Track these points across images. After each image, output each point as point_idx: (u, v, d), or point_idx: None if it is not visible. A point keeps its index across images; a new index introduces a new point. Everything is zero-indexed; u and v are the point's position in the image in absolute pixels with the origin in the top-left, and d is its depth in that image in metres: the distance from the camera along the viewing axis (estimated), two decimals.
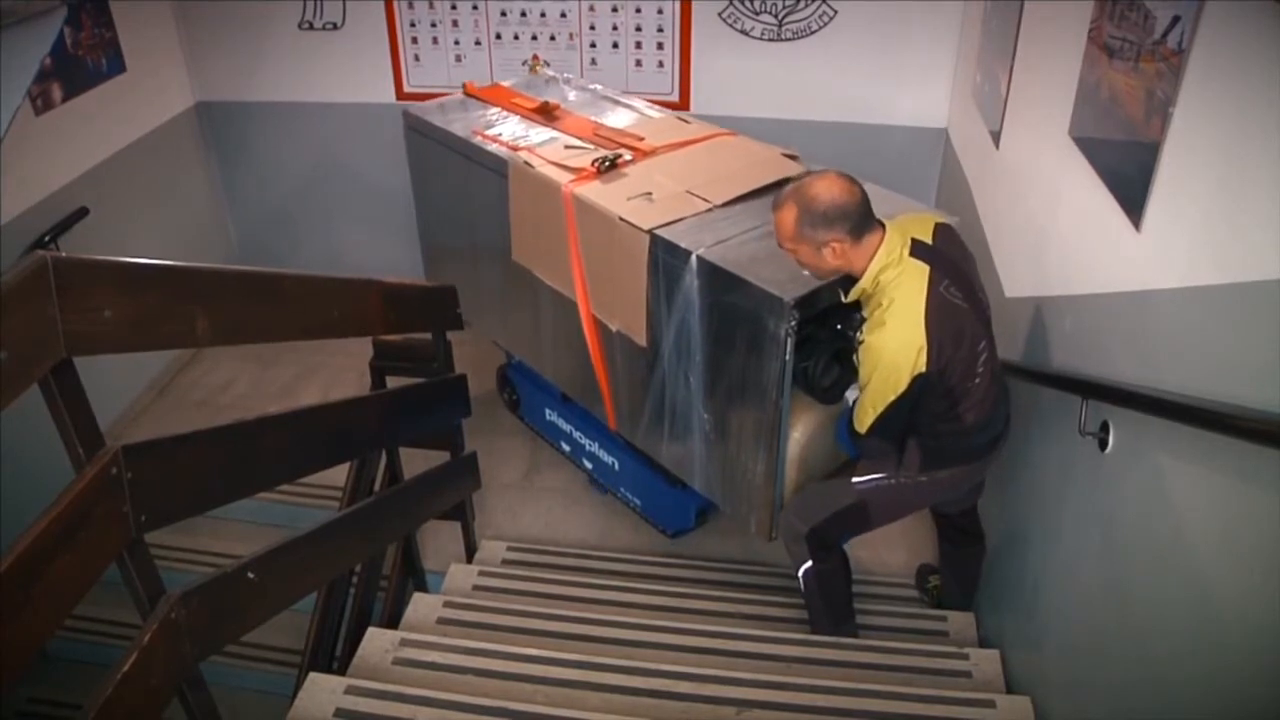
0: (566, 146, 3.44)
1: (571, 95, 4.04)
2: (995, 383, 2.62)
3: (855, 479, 2.76)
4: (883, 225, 2.44)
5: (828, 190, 2.36)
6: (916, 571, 3.61)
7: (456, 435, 3.55)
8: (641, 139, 3.45)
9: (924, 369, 2.37)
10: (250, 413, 2.41)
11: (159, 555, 1.90)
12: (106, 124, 4.51)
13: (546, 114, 3.73)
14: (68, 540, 1.59)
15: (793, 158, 3.31)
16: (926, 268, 2.40)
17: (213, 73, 5.17)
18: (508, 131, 3.63)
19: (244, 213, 5.61)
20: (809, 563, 2.92)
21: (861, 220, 2.37)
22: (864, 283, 2.43)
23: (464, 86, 4.08)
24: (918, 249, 2.42)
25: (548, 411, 4.33)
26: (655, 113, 3.85)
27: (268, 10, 4.93)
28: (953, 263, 2.48)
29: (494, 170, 3.48)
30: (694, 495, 3.57)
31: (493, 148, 3.50)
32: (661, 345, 3.02)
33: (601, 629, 3.08)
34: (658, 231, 2.89)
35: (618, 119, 3.76)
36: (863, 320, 2.48)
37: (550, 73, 4.30)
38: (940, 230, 2.52)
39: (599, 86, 4.17)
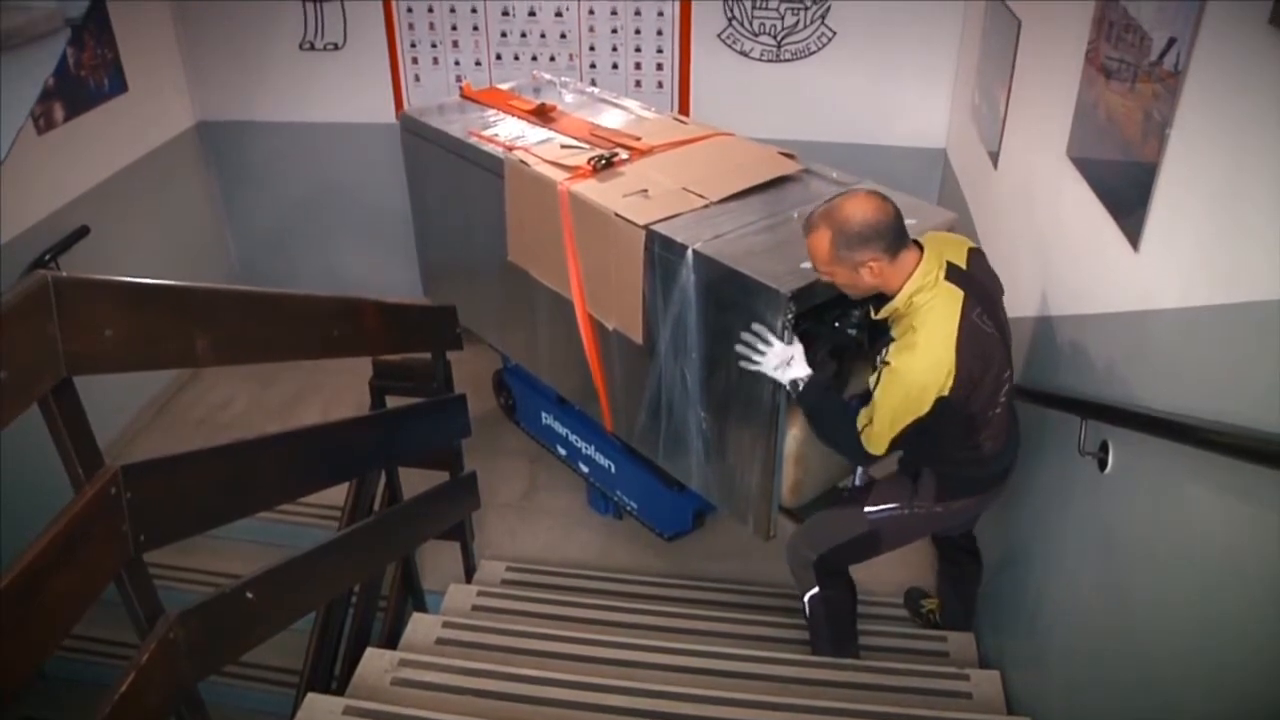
0: (563, 146, 3.44)
1: (568, 97, 4.04)
2: (1011, 412, 2.62)
3: (868, 509, 2.73)
4: (919, 245, 2.40)
5: (860, 210, 2.31)
6: (905, 595, 3.60)
7: (456, 455, 3.54)
8: (638, 138, 3.45)
9: (947, 393, 2.32)
10: (250, 432, 2.42)
11: (157, 575, 1.89)
12: (108, 143, 4.53)
13: (543, 115, 3.73)
14: (67, 559, 1.59)
15: (789, 156, 3.30)
16: (961, 293, 2.35)
17: (214, 92, 5.19)
18: (504, 132, 3.63)
19: (244, 232, 5.62)
20: (815, 589, 2.91)
21: (896, 238, 2.32)
22: (897, 302, 2.37)
23: (461, 89, 4.09)
24: (952, 273, 2.38)
25: (544, 415, 4.33)
26: (651, 114, 3.84)
27: (269, 31, 4.96)
28: (984, 289, 2.45)
29: (490, 170, 3.48)
30: (691, 497, 3.57)
31: (489, 148, 3.50)
32: (658, 343, 3.01)
33: (600, 649, 3.07)
34: (654, 227, 2.88)
35: (614, 120, 3.76)
36: (890, 340, 2.42)
37: (548, 76, 4.31)
38: (974, 255, 2.49)
39: (595, 89, 4.17)
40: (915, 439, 2.43)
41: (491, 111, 3.86)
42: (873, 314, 2.49)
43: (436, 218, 4.08)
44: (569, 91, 4.12)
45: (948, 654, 3.23)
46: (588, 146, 3.42)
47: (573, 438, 4.16)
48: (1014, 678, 2.92)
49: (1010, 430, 2.64)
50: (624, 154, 3.31)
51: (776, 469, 2.85)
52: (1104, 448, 2.28)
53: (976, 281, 2.43)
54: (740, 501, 3.02)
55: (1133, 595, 2.13)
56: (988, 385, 2.41)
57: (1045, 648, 2.69)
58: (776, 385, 2.63)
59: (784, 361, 2.55)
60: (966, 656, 3.21)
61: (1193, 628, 1.85)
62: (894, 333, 2.42)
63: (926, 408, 2.34)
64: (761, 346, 2.57)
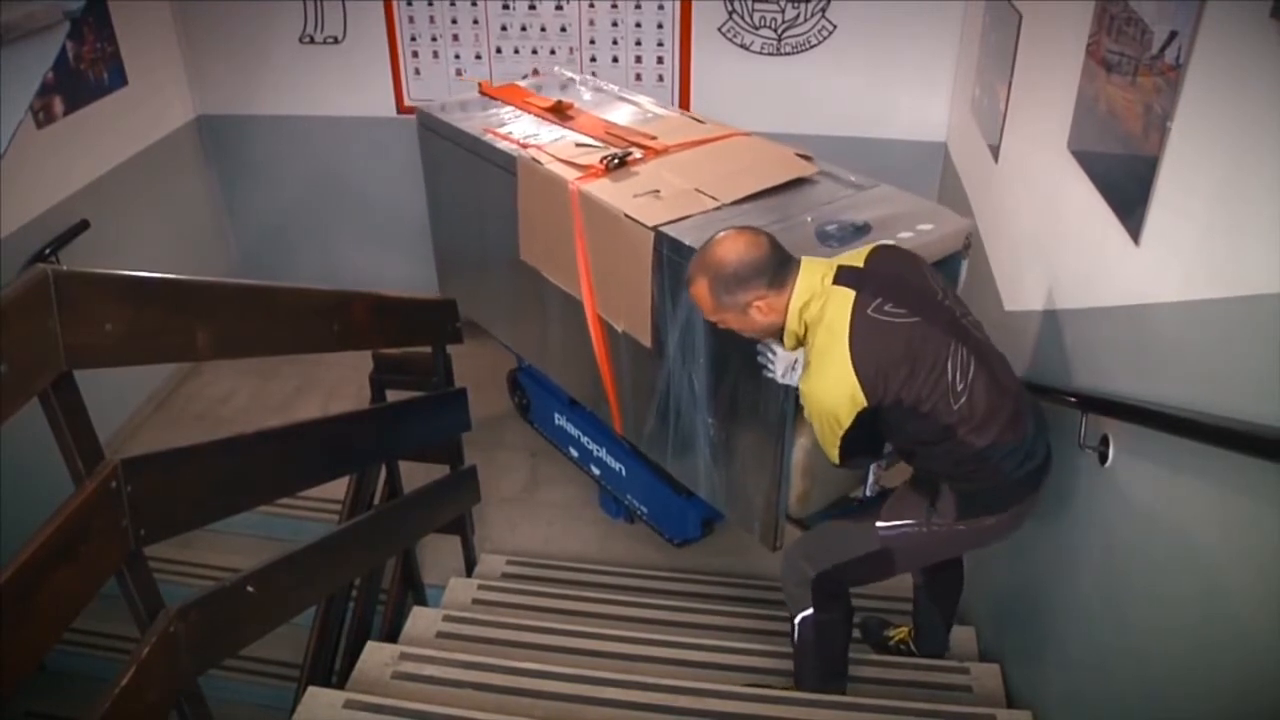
0: (577, 145, 3.41)
1: (586, 95, 4.01)
2: (1004, 398, 2.27)
3: (880, 524, 2.48)
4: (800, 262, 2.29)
5: (732, 250, 2.23)
6: (862, 627, 3.23)
7: (456, 449, 3.54)
8: (653, 138, 3.42)
9: (865, 404, 2.18)
10: (250, 426, 2.41)
11: (158, 569, 1.90)
12: (108, 137, 4.53)
13: (559, 113, 3.70)
14: (67, 554, 1.59)
15: (806, 158, 3.25)
16: (852, 293, 2.20)
17: (214, 86, 5.19)
18: (519, 130, 3.61)
19: (244, 226, 5.62)
20: (809, 610, 2.63)
21: (778, 267, 2.23)
22: (791, 324, 2.27)
23: (479, 86, 4.06)
24: (843, 275, 2.24)
25: (557, 416, 4.33)
26: (669, 112, 3.80)
27: (269, 24, 4.95)
28: (889, 278, 2.25)
29: (504, 168, 3.46)
30: (700, 505, 3.55)
31: (503, 145, 3.48)
32: (667, 346, 3.00)
33: (600, 643, 3.08)
34: (663, 228, 2.85)
35: (630, 118, 3.72)
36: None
37: (567, 73, 4.29)
38: (877, 251, 2.34)
39: (615, 86, 4.13)
40: (862, 436, 2.30)
41: (508, 109, 3.83)
42: (784, 346, 2.39)
43: (451, 214, 4.06)
44: (587, 89, 4.09)
45: (948, 647, 3.24)
46: (602, 145, 3.39)
47: (585, 439, 4.16)
48: (1014, 671, 2.92)
49: (1015, 420, 2.30)
50: (638, 153, 3.28)
51: (784, 479, 2.81)
52: (1104, 441, 2.28)
53: (874, 274, 2.26)
54: (746, 510, 2.99)
55: (1132, 589, 2.13)
56: (926, 377, 2.18)
57: (1045, 641, 2.70)
58: (786, 393, 2.60)
59: (790, 366, 2.44)
60: (967, 650, 3.22)
61: (1192, 621, 1.86)
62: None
63: (848, 422, 2.23)
64: (770, 355, 2.48)
